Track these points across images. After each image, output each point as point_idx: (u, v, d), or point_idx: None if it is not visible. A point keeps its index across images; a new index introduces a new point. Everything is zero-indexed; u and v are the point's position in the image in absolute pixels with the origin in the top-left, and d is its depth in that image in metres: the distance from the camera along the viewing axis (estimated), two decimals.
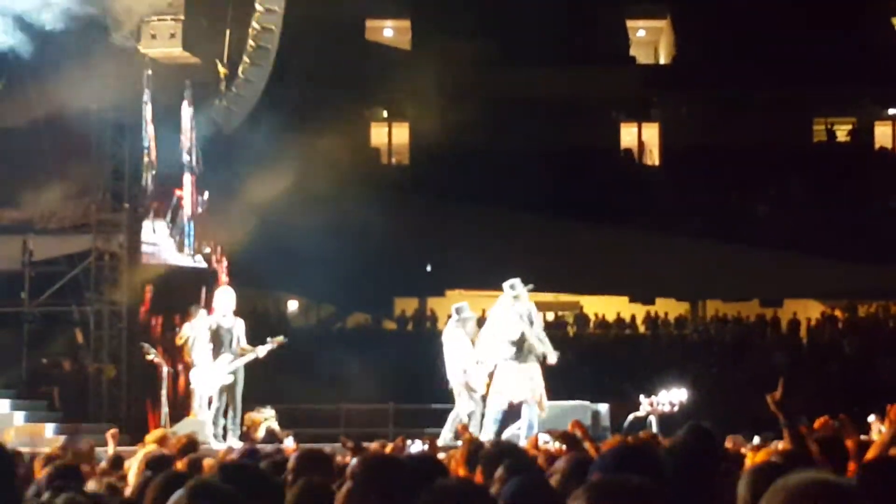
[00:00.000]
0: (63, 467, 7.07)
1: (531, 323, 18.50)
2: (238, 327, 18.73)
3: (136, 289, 22.46)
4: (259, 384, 21.33)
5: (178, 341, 20.84)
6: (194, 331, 20.06)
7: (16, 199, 23.05)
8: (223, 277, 23.11)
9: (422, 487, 4.69)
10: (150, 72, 22.26)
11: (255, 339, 19.44)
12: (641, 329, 37.08)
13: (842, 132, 40.27)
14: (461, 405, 18.56)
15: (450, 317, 19.05)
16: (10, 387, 21.64)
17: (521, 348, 18.19)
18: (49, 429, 19.50)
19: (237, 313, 18.84)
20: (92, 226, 22.50)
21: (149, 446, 10.12)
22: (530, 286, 18.73)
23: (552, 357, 18.51)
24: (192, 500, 3.99)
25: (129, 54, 21.64)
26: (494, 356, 18.34)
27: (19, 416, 20.16)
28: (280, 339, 18.95)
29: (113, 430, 12.24)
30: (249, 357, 18.60)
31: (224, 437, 18.36)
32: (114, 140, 22.47)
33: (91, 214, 22.62)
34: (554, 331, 37.58)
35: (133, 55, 21.58)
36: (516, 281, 18.47)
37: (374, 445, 11.19)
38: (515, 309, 18.44)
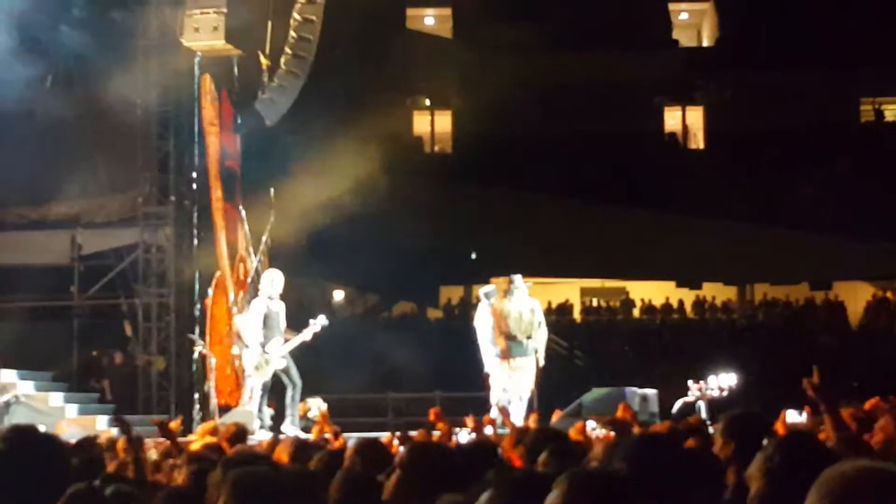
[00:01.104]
0: (88, 458, 7.11)
1: (538, 322, 18.86)
2: (283, 311, 18.87)
3: (184, 280, 22.59)
4: (304, 374, 21.44)
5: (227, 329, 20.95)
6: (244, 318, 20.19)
7: (63, 194, 23.26)
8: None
9: (470, 476, 4.71)
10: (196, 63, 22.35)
11: (303, 328, 19.49)
12: (689, 314, 36.95)
13: (890, 112, 39.92)
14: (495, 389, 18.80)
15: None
16: (62, 380, 21.87)
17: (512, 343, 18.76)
18: (101, 421, 19.65)
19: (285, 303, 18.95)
20: (139, 219, 22.66)
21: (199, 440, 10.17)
22: (528, 283, 19.05)
23: (540, 359, 18.96)
24: (237, 490, 4.03)
25: (173, 47, 21.72)
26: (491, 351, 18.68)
27: (72, 409, 20.35)
28: (322, 319, 18.99)
29: (175, 422, 12.37)
30: (299, 340, 18.69)
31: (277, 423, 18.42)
32: (160, 133, 22.58)
33: (138, 208, 22.77)
34: (601, 317, 37.74)
35: (178, 48, 21.64)
36: (517, 277, 18.82)
37: (418, 434, 11.21)
38: (513, 305, 18.74)
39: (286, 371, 18.71)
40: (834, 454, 3.98)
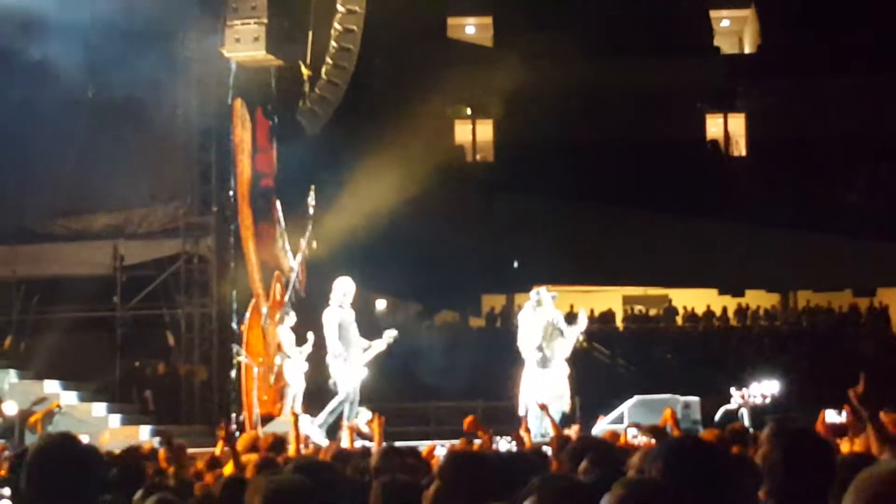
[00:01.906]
0: (127, 468, 7.12)
1: (560, 331, 18.77)
2: (353, 318, 18.88)
3: (226, 291, 22.65)
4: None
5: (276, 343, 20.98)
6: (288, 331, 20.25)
7: (106, 205, 23.38)
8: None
9: (511, 485, 4.68)
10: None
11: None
12: (732, 321, 36.77)
13: None
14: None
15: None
16: (105, 390, 21.97)
17: (543, 354, 18.68)
18: (144, 431, 19.75)
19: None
20: (181, 230, 22.74)
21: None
22: (554, 294, 18.97)
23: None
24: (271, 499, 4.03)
25: (214, 58, 21.81)
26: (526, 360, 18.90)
27: (115, 419, 20.46)
28: (394, 332, 19.03)
29: (222, 431, 12.41)
30: (377, 350, 18.68)
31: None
32: (201, 144, 22.67)
33: (180, 218, 22.87)
34: (643, 324, 37.61)
35: (218, 59, 21.73)
36: (542, 289, 18.82)
37: (460, 443, 11.20)
38: (538, 316, 18.71)
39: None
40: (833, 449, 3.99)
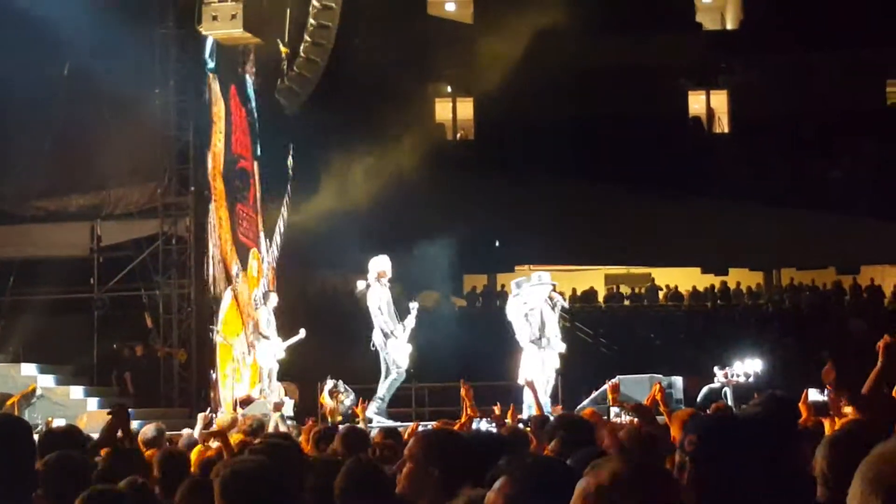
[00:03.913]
0: (122, 452, 7.05)
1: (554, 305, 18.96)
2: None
3: (204, 271, 22.49)
4: (328, 365, 21.31)
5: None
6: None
7: (83, 186, 23.17)
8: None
9: (485, 465, 4.55)
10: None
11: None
12: (715, 300, 36.73)
13: None
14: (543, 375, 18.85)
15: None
16: (83, 373, 21.81)
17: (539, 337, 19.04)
18: None
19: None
20: (159, 210, 22.55)
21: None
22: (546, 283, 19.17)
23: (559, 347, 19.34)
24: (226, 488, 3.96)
25: (192, 36, 21.60)
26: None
27: (93, 402, 20.31)
28: (416, 304, 19.64)
29: (205, 413, 12.40)
30: (411, 325, 18.90)
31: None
32: (178, 124, 22.46)
33: (158, 199, 22.67)
34: (626, 304, 37.55)
35: (196, 37, 21.51)
36: (522, 279, 19.08)
37: (436, 424, 11.16)
38: (520, 301, 18.89)
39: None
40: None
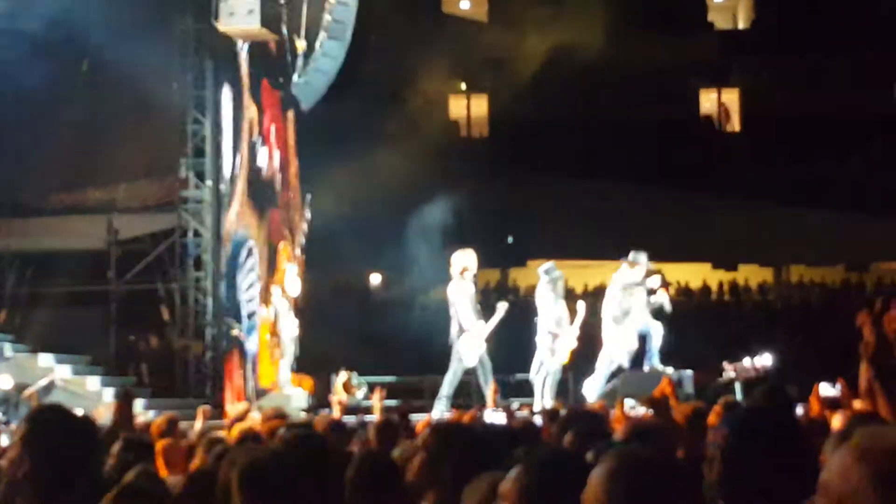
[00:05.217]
0: (134, 441, 7.11)
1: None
2: None
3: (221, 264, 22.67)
4: (343, 357, 21.52)
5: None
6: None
7: (100, 179, 23.36)
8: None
9: (497, 457, 4.71)
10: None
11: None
12: (725, 296, 36.82)
13: None
14: (549, 367, 18.97)
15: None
16: (99, 364, 21.97)
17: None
18: (138, 404, 19.75)
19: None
20: (176, 203, 22.71)
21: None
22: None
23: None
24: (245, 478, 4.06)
25: (209, 30, 21.75)
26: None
27: (108, 393, 20.45)
28: (505, 304, 19.60)
29: (204, 407, 12.42)
30: (495, 322, 18.91)
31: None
32: (196, 117, 22.62)
33: (175, 192, 22.82)
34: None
35: (214, 31, 21.66)
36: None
37: (448, 416, 11.27)
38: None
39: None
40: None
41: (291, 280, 21.67)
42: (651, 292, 20.04)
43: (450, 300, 19.22)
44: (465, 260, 19.08)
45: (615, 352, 19.67)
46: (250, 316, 21.53)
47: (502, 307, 19.17)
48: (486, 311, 19.61)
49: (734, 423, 3.82)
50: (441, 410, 18.54)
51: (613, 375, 19.78)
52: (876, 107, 36.58)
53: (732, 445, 3.64)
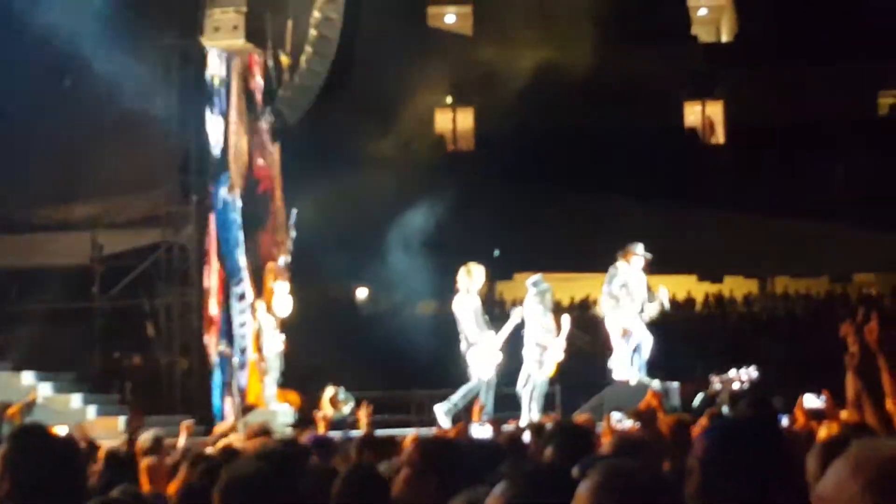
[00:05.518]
0: (118, 459, 7.09)
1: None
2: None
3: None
4: (328, 371, 21.46)
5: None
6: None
7: (84, 195, 23.27)
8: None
9: (482, 472, 4.69)
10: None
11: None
12: (710, 307, 36.88)
13: None
14: (536, 380, 18.97)
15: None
16: (83, 381, 21.85)
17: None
18: (122, 422, 19.66)
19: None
20: (161, 219, 22.64)
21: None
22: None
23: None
24: (226, 493, 4.04)
25: (194, 45, 21.72)
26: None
27: (91, 410, 20.36)
28: (519, 310, 19.41)
29: (188, 422, 12.35)
30: (506, 333, 18.88)
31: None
32: (180, 133, 22.57)
33: (159, 207, 22.76)
34: None
35: (199, 46, 21.63)
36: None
37: (434, 431, 11.26)
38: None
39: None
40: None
41: (282, 299, 21.50)
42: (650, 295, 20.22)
43: (456, 316, 19.32)
44: (470, 274, 19.19)
45: (633, 329, 19.99)
46: (243, 351, 21.33)
47: (517, 313, 19.17)
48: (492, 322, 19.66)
49: (713, 434, 3.80)
50: (444, 409, 18.54)
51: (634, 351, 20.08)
52: (858, 117, 36.76)
53: (711, 457, 3.62)
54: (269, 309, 21.34)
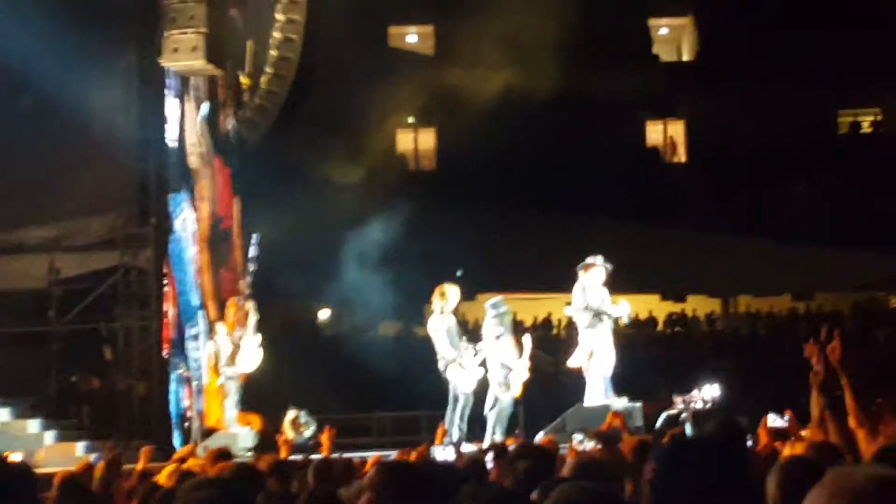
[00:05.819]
0: (73, 485, 6.98)
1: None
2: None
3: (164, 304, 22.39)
4: (289, 392, 21.31)
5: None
6: None
7: (41, 218, 23.02)
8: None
9: (444, 496, 4.61)
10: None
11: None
12: (673, 326, 36.94)
13: (867, 124, 40.10)
14: (503, 401, 18.92)
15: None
16: (39, 407, 21.55)
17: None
18: (79, 447, 19.46)
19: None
20: (119, 242, 22.45)
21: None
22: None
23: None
24: None
25: (153, 68, 21.60)
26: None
27: (49, 436, 20.13)
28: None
29: (146, 447, 12.21)
30: (485, 352, 18.84)
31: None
32: (139, 155, 22.41)
33: (118, 230, 22.57)
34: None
35: (158, 69, 21.50)
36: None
37: (396, 454, 11.16)
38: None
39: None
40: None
41: (249, 352, 21.19)
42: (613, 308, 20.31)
43: (431, 335, 19.32)
44: (444, 296, 19.19)
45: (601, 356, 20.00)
46: (199, 392, 21.19)
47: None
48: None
49: (661, 456, 3.81)
50: (453, 440, 18.45)
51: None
52: (820, 136, 36.99)
53: (660, 478, 3.65)
54: (229, 331, 21.16)
